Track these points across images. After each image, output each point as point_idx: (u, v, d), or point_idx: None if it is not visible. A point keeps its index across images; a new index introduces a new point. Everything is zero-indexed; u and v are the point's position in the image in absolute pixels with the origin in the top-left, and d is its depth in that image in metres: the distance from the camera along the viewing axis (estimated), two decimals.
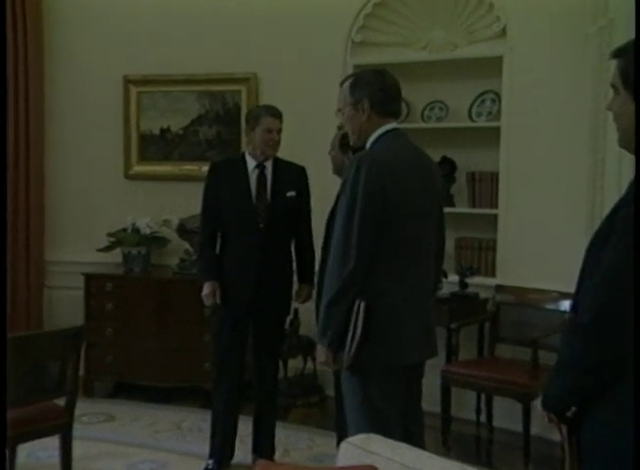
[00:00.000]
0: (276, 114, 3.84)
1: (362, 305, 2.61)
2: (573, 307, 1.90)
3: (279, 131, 3.84)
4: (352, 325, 2.63)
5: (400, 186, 2.68)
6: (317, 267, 3.28)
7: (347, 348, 2.64)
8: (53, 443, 3.36)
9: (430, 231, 2.83)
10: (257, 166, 3.86)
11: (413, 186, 2.74)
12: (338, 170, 3.60)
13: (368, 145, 2.83)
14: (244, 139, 5.24)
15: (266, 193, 3.85)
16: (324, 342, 2.70)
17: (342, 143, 3.51)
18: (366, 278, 2.63)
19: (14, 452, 3.39)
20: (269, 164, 3.88)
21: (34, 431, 3.24)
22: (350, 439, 1.89)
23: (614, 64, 1.85)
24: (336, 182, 3.25)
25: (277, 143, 3.85)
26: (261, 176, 3.86)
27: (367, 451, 1.79)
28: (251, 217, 3.81)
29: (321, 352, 2.74)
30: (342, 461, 1.85)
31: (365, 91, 2.81)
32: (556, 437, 1.98)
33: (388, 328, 2.68)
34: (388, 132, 2.80)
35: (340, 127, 3.64)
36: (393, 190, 2.65)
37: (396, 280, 2.70)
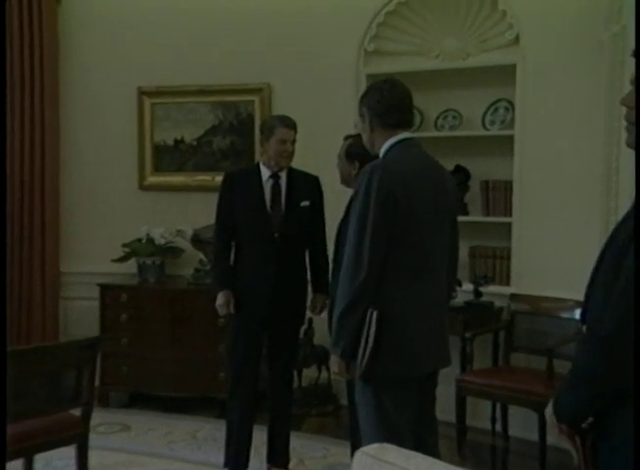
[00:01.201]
0: (290, 124, 3.84)
1: (375, 314, 2.61)
2: (583, 315, 1.89)
3: (293, 142, 3.84)
4: (365, 335, 2.63)
5: (413, 195, 2.69)
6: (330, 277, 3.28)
7: (360, 357, 2.64)
8: (69, 452, 3.37)
9: (443, 240, 2.83)
10: (272, 176, 3.86)
11: (425, 195, 2.74)
12: (345, 181, 3.61)
13: (380, 155, 2.83)
14: (257, 149, 5.29)
15: (281, 203, 3.86)
16: (337, 352, 2.70)
17: (348, 153, 3.52)
18: (378, 287, 2.63)
19: (31, 462, 3.41)
20: (283, 175, 3.88)
21: (51, 441, 3.25)
22: (364, 448, 1.88)
23: (634, 62, 1.82)
24: (347, 193, 3.26)
25: (291, 154, 3.85)
26: (276, 186, 3.87)
27: (381, 461, 1.78)
28: (265, 227, 3.81)
29: (334, 362, 2.74)
30: None
31: (366, 104, 2.85)
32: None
33: (401, 337, 2.68)
34: (399, 142, 2.80)
35: (345, 138, 3.65)
36: (406, 199, 2.66)
37: (409, 289, 2.70)
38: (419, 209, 2.71)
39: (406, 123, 2.87)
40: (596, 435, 1.80)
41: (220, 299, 3.83)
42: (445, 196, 2.86)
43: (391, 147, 2.80)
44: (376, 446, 1.88)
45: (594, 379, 1.74)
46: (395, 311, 2.66)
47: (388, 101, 2.81)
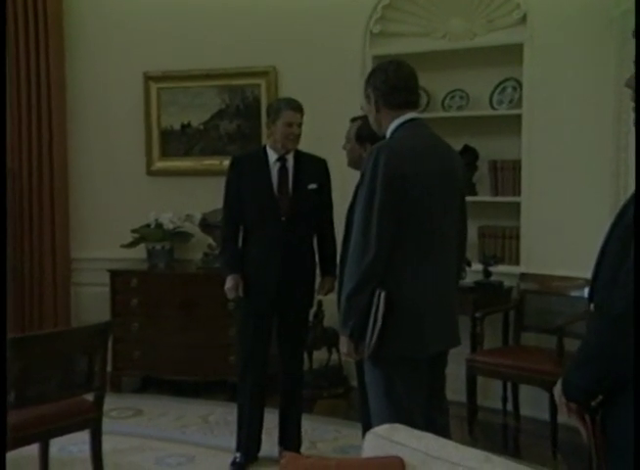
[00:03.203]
0: (296, 107, 3.82)
1: (383, 294, 2.62)
2: (590, 294, 1.89)
3: (299, 125, 3.83)
4: (373, 315, 2.63)
5: (420, 175, 2.68)
6: (338, 260, 3.28)
7: (368, 338, 2.65)
8: (83, 437, 3.40)
9: (451, 220, 2.82)
10: (279, 160, 3.85)
11: (433, 175, 2.74)
12: (354, 163, 3.58)
13: (387, 135, 2.83)
14: (264, 132, 5.26)
15: (288, 186, 3.85)
16: (345, 332, 2.71)
17: (359, 135, 3.50)
18: (387, 268, 2.64)
19: (47, 446, 3.45)
20: (290, 157, 3.87)
21: (65, 426, 3.28)
22: (375, 429, 1.89)
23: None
24: (355, 175, 3.25)
25: (297, 137, 3.84)
26: (283, 169, 3.86)
27: (392, 442, 1.79)
28: (273, 211, 3.81)
29: (343, 343, 2.75)
30: (367, 452, 1.86)
31: (372, 85, 2.85)
32: None
33: (409, 318, 2.68)
34: (406, 122, 2.79)
35: (353, 120, 3.63)
36: (413, 179, 2.66)
37: (417, 269, 2.70)
38: (427, 189, 2.71)
39: (412, 104, 2.86)
40: (605, 413, 1.80)
41: (229, 282, 3.84)
42: (453, 176, 2.86)
43: (398, 127, 2.80)
44: (387, 426, 1.89)
45: (605, 357, 1.74)
46: (404, 292, 2.67)
47: (393, 81, 2.80)
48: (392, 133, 2.81)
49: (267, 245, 3.82)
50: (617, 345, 1.70)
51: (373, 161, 2.66)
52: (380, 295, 2.62)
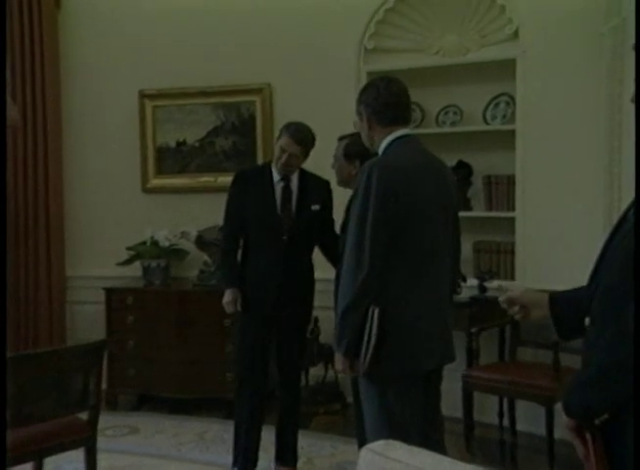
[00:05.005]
0: (295, 137, 3.74)
1: (376, 312, 2.62)
2: (587, 308, 1.86)
3: (294, 156, 3.76)
4: (367, 332, 2.63)
5: (413, 191, 2.69)
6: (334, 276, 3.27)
7: (363, 355, 2.65)
8: (78, 456, 3.38)
9: (444, 236, 2.83)
10: (282, 179, 3.84)
11: (426, 191, 2.74)
12: (344, 182, 3.59)
13: (380, 152, 2.84)
14: (260, 149, 5.30)
15: (291, 206, 3.85)
16: (340, 349, 2.71)
17: (347, 153, 3.51)
18: (381, 285, 2.64)
19: (40, 466, 3.42)
20: (295, 177, 3.87)
21: (59, 444, 3.26)
22: (370, 445, 1.88)
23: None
24: (347, 194, 3.26)
25: (286, 165, 3.78)
26: (287, 189, 3.85)
27: (387, 458, 1.78)
28: (275, 229, 3.80)
29: (338, 360, 2.75)
30: (362, 468, 1.84)
31: (363, 102, 2.85)
32: None
33: (404, 334, 2.68)
34: (398, 139, 2.80)
35: (340, 138, 3.64)
36: (406, 196, 2.66)
37: (411, 286, 2.70)
38: (420, 205, 2.71)
39: (404, 120, 2.86)
40: (610, 431, 1.75)
41: (228, 296, 3.83)
42: (446, 191, 2.86)
43: (391, 144, 2.80)
44: (382, 442, 1.88)
45: (620, 374, 1.67)
46: (398, 309, 2.67)
47: (384, 98, 2.81)
48: (385, 150, 2.82)
49: (267, 262, 3.81)
50: (631, 361, 1.62)
51: (366, 178, 2.67)
52: (374, 312, 2.62)
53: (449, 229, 2.87)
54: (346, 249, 2.71)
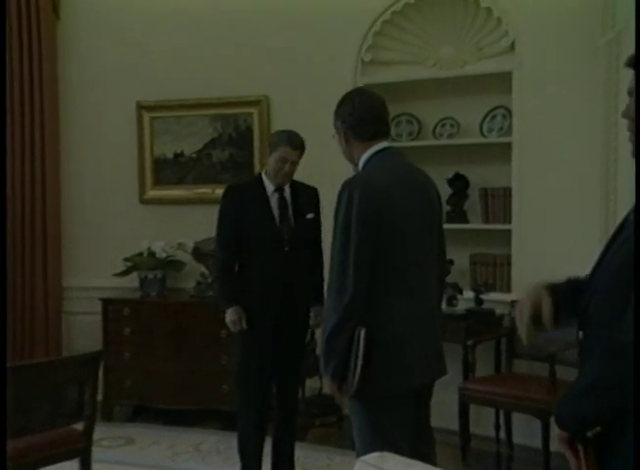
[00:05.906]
0: (296, 145, 3.74)
1: (362, 333, 2.56)
2: (581, 322, 1.85)
3: (294, 163, 3.76)
4: (354, 353, 2.57)
5: (396, 208, 2.63)
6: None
7: (351, 377, 2.59)
8: (73, 466, 3.37)
9: (430, 250, 2.77)
10: (277, 190, 3.82)
11: (409, 206, 2.68)
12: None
13: (360, 166, 2.77)
14: (257, 161, 5.31)
15: (289, 216, 3.82)
16: (327, 374, 2.64)
17: None
18: (366, 305, 2.57)
19: None
20: (287, 188, 3.85)
21: (54, 455, 3.26)
22: (364, 457, 1.88)
23: (630, 72, 1.79)
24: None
25: (288, 174, 3.77)
26: (282, 200, 3.83)
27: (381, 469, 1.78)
28: (276, 241, 3.76)
29: (326, 384, 2.71)
30: None
31: (340, 117, 2.80)
32: None
33: (391, 353, 2.63)
34: (378, 152, 2.73)
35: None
36: (389, 213, 2.60)
37: (398, 305, 2.64)
38: (404, 222, 2.65)
39: (382, 134, 2.78)
40: (603, 443, 1.74)
41: (232, 315, 3.76)
42: (430, 205, 2.81)
43: (371, 158, 2.73)
44: (376, 454, 1.88)
45: (617, 386, 1.65)
46: (385, 329, 2.61)
47: (360, 113, 2.74)
48: (365, 165, 2.75)
49: (270, 275, 3.75)
50: (630, 373, 1.60)
51: (347, 198, 2.60)
52: (360, 333, 2.56)
53: (434, 243, 2.81)
54: (330, 271, 2.63)
